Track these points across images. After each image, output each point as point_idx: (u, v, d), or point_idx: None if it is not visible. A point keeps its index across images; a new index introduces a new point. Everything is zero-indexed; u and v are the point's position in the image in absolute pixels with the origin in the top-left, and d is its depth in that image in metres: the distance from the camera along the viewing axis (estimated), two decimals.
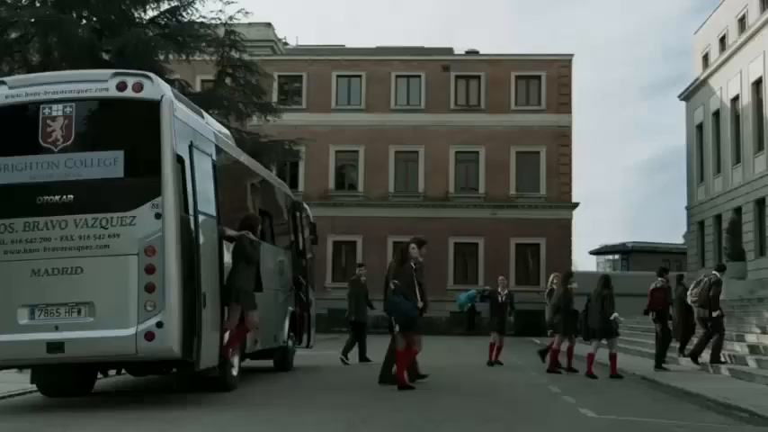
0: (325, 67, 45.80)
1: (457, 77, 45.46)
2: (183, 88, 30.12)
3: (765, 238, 33.63)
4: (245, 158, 13.24)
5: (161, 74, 26.37)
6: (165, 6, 26.56)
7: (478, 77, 45.35)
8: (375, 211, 43.70)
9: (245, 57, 28.08)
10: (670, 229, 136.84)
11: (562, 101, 44.79)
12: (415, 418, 9.32)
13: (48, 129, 9.39)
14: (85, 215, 9.24)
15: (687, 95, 44.38)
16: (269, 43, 47.70)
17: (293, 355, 15.31)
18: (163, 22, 26.58)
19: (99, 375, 11.72)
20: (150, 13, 26.65)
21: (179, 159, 9.51)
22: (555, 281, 17.78)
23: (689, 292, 17.16)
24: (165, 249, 9.17)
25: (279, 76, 43.96)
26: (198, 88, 34.80)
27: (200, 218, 9.84)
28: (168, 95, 9.60)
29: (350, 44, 52.65)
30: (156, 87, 9.56)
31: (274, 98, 39.28)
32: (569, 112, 44.83)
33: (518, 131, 44.47)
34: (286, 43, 52.63)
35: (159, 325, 9.04)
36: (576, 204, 44.63)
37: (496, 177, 44.52)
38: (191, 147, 9.87)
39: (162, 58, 26.11)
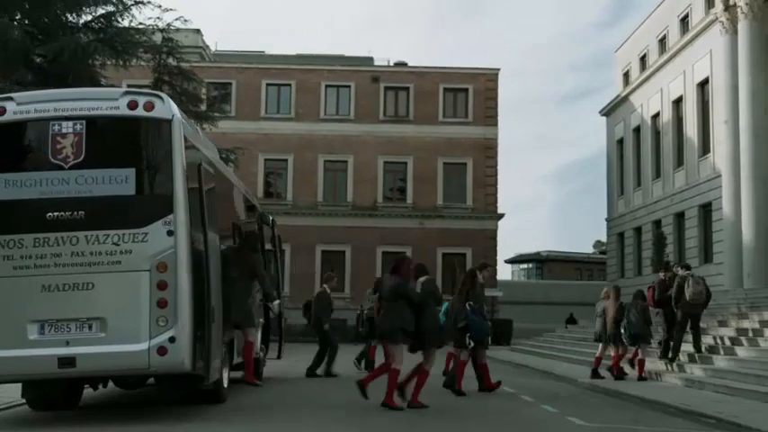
0: (255, 75, 45.83)
1: (386, 89, 46.12)
2: None
3: (685, 251, 35.12)
4: (229, 173, 13.45)
5: (95, 80, 26.25)
6: (100, 11, 26.40)
7: (407, 89, 46.08)
8: (303, 220, 43.81)
9: (183, 64, 27.97)
10: (585, 239, 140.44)
11: (488, 113, 45.90)
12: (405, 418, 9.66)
13: (57, 145, 9.41)
14: (97, 231, 9.29)
15: (608, 111, 45.98)
16: (197, 50, 47.32)
17: (263, 367, 15.47)
18: (97, 27, 26.33)
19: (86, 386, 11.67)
20: (85, 18, 26.43)
21: (188, 177, 9.67)
22: (604, 295, 18.01)
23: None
24: (178, 266, 9.30)
25: (207, 84, 43.74)
26: None
27: (208, 234, 10.01)
28: (178, 115, 9.75)
29: (269, 51, 52.79)
30: (167, 107, 9.69)
31: (204, 106, 39.15)
32: (495, 124, 45.95)
33: (445, 143, 45.34)
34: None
35: (172, 340, 9.17)
36: (502, 215, 45.70)
37: (424, 188, 45.27)
38: (198, 165, 10.04)
39: (98, 63, 25.94)
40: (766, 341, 16.87)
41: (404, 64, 47.91)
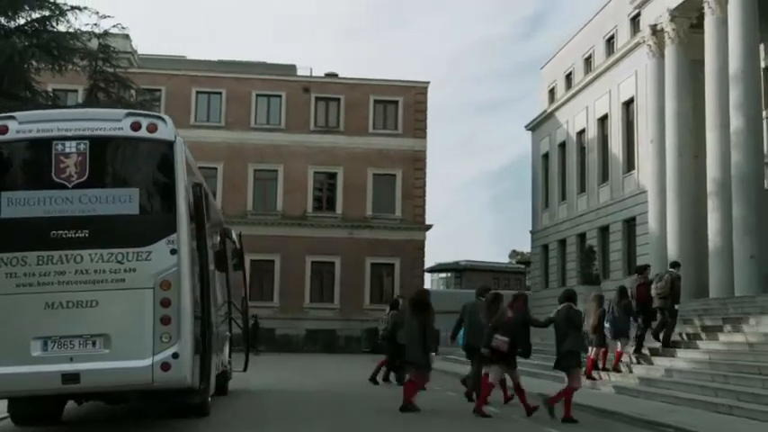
0: (185, 82, 45.54)
1: (317, 99, 46.41)
2: (55, 101, 29.47)
3: (609, 263, 36.44)
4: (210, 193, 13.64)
5: (30, 85, 25.90)
6: (35, 15, 26.07)
7: (338, 100, 46.48)
8: (233, 229, 43.56)
9: (119, 71, 27.74)
10: (503, 249, 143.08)
11: (418, 126, 46.66)
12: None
13: (61, 165, 9.53)
14: (101, 250, 9.45)
15: (534, 126, 47.28)
16: (126, 55, 46.70)
17: (230, 380, 15.66)
18: (30, 31, 26.01)
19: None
20: (18, 21, 26.06)
21: (189, 197, 9.92)
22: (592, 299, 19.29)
23: (653, 286, 18.78)
24: (180, 283, 9.53)
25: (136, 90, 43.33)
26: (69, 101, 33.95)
27: (206, 253, 10.27)
28: (179, 137, 9.98)
29: (189, 56, 52.45)
30: (170, 128, 9.91)
31: None
32: (424, 137, 46.72)
33: (375, 154, 45.91)
34: None
35: (175, 356, 9.39)
36: (430, 226, 46.46)
37: (354, 198, 45.72)
38: (198, 186, 10.30)
39: (33, 68, 25.64)
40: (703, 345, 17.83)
41: (334, 75, 48.28)
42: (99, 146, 9.72)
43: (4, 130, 9.61)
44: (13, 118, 9.79)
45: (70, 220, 9.49)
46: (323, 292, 45.45)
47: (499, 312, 13.49)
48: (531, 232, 47.73)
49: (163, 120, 9.96)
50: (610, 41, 38.97)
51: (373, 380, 19.71)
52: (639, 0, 31.24)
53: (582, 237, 39.69)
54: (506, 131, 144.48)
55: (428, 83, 47.36)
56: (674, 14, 28.97)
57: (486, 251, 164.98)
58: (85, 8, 25.84)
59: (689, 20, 28.97)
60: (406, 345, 13.78)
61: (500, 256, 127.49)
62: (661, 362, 18.11)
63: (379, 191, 46.11)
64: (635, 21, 35.72)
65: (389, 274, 46.01)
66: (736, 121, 25.16)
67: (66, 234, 9.45)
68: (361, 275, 45.27)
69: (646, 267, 20.65)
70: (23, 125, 9.68)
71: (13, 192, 9.53)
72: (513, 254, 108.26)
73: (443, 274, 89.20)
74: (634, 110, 34.97)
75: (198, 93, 45.74)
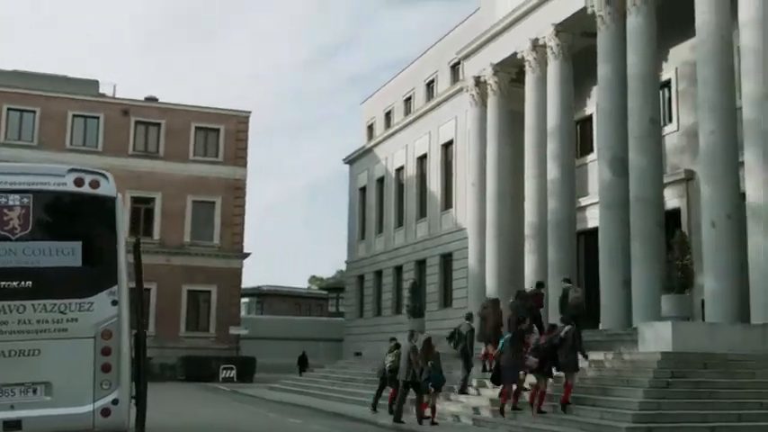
0: None
1: (137, 123, 45.83)
2: None
3: (426, 295, 38.39)
4: None
5: None
6: None
7: (158, 125, 46.13)
8: None
9: None
10: (301, 274, 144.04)
11: (239, 154, 47.13)
12: None
13: (5, 217, 9.68)
14: (44, 301, 9.68)
15: (352, 160, 48.96)
16: None
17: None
18: None
19: None
20: None
21: (128, 250, 10.37)
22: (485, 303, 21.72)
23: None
24: (121, 332, 9.94)
25: None
26: None
27: (142, 301, 10.71)
28: (119, 194, 10.42)
29: None
30: (111, 185, 10.31)
31: None
32: (245, 165, 47.23)
33: (195, 181, 45.92)
34: None
35: (115, 402, 9.79)
36: (248, 254, 46.91)
37: (172, 224, 45.43)
38: (136, 239, 10.74)
39: None
40: None
41: (155, 99, 47.83)
42: (42, 200, 9.97)
43: None
44: None
45: (14, 271, 9.67)
46: None
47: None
48: (347, 262, 49.25)
49: (105, 176, 10.35)
50: (430, 85, 41.33)
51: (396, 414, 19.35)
52: (464, 52, 33.53)
53: (399, 269, 41.62)
54: (307, 156, 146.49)
55: (250, 112, 48.04)
56: (497, 69, 31.44)
57: (284, 276, 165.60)
58: None
59: (509, 75, 31.53)
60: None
61: (299, 281, 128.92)
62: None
63: (198, 218, 46.13)
64: (455, 68, 38.23)
65: (206, 301, 46.03)
66: (552, 171, 27.73)
67: (9, 285, 9.62)
68: (178, 302, 45.00)
69: (541, 284, 23.11)
70: None
71: None
72: (313, 279, 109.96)
73: (245, 299, 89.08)
74: (453, 151, 37.34)
75: (9, 110, 43.93)
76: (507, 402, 17.41)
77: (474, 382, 20.56)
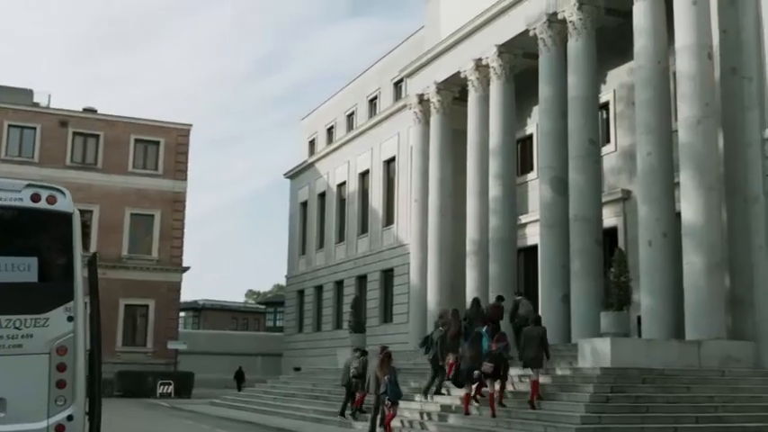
0: None
1: (74, 134, 45.24)
2: None
3: (366, 310, 38.54)
4: None
5: None
6: None
7: (97, 137, 45.60)
8: None
9: None
10: (239, 288, 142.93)
11: (179, 168, 46.79)
12: None
13: None
14: None
15: (293, 175, 48.98)
16: None
17: None
18: None
19: None
20: None
21: (84, 265, 10.36)
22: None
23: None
24: (76, 348, 9.90)
25: None
26: None
27: (98, 317, 10.68)
28: (76, 209, 10.39)
29: None
30: (68, 200, 10.26)
31: None
32: (185, 179, 46.90)
33: (134, 194, 45.48)
34: None
35: (69, 418, 9.74)
36: (187, 268, 46.54)
37: (109, 237, 44.83)
38: (93, 254, 10.72)
39: None
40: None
41: (93, 110, 47.24)
42: None
43: None
44: None
45: None
46: None
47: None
48: (287, 277, 49.19)
49: (62, 192, 10.31)
50: (372, 102, 41.67)
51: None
52: (408, 70, 33.94)
53: (340, 284, 41.75)
54: (245, 170, 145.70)
55: (191, 125, 47.76)
56: (440, 87, 31.91)
57: (220, 290, 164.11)
58: None
59: (452, 93, 32.03)
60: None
61: (236, 296, 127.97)
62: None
63: (137, 231, 45.65)
64: (398, 85, 38.65)
65: (144, 315, 45.52)
66: (494, 189, 28.23)
67: None
68: (115, 317, 44.34)
69: (501, 298, 23.49)
70: None
71: None
72: (250, 293, 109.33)
73: (182, 314, 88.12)
74: (395, 168, 37.69)
75: None
76: (471, 403, 18.20)
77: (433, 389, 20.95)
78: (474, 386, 18.42)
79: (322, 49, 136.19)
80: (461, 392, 18.82)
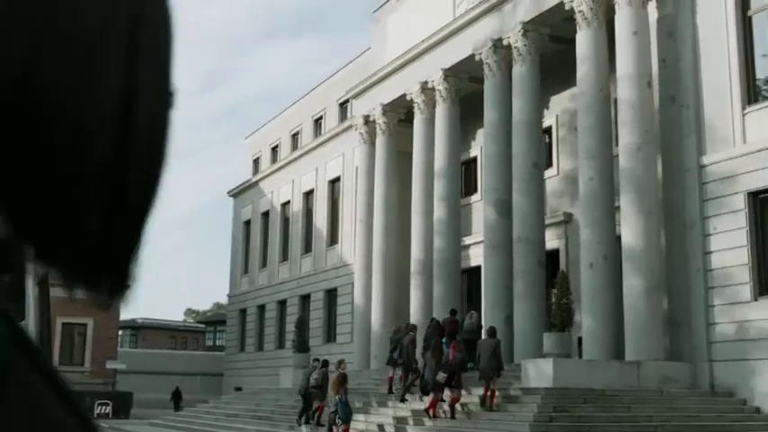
0: None
1: None
2: None
3: (309, 330, 38.50)
4: None
5: None
6: None
7: None
8: None
9: None
10: (180, 308, 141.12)
11: None
12: None
13: None
14: None
15: (237, 193, 48.79)
16: None
17: None
18: None
19: None
20: None
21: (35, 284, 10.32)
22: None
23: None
24: None
25: None
26: None
27: (46, 333, 10.64)
28: None
29: None
30: None
31: None
32: None
33: None
34: None
35: None
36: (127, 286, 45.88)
37: None
38: (45, 277, 10.69)
39: None
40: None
41: None
42: None
43: None
44: None
45: None
46: None
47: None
48: (229, 296, 48.88)
49: None
50: (318, 122, 41.83)
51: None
52: (354, 91, 34.20)
53: (282, 303, 41.64)
54: (185, 187, 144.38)
55: None
56: (386, 109, 32.21)
57: (158, 308, 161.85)
58: None
59: (398, 115, 32.36)
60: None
61: (174, 314, 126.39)
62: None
63: None
64: (343, 106, 38.88)
65: (82, 334, 44.76)
66: (439, 211, 28.55)
67: None
68: (53, 335, 43.56)
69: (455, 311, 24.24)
70: None
71: None
72: (189, 312, 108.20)
73: (120, 332, 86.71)
74: (340, 188, 37.84)
75: None
76: (439, 407, 18.93)
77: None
78: (432, 395, 18.98)
79: (266, 67, 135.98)
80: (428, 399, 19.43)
